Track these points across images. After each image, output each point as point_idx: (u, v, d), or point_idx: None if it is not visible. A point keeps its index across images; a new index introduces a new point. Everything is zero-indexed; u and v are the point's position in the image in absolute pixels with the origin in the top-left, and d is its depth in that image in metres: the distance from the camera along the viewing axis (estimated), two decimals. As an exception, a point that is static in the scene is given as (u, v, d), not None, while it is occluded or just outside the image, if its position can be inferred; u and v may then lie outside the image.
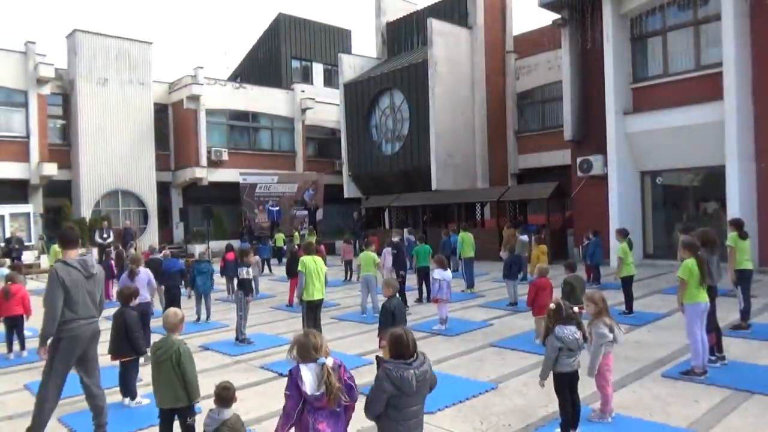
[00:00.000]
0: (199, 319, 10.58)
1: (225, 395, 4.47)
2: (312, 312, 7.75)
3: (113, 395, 6.33)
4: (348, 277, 15.67)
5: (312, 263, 7.81)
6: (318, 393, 3.23)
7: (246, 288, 8.76)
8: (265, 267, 18.02)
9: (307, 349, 3.34)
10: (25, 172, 21.59)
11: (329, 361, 3.32)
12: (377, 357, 3.47)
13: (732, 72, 13.79)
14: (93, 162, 22.83)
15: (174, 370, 4.43)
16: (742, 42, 13.99)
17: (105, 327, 9.89)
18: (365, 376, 6.35)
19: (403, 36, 26.72)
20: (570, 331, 4.60)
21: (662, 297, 11.15)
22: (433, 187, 21.86)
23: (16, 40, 23.10)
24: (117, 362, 6.13)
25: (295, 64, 32.44)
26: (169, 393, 4.46)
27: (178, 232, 25.65)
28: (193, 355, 4.66)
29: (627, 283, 9.72)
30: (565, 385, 4.66)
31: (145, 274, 8.06)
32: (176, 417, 4.56)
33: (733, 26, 13.75)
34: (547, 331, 4.73)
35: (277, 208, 24.98)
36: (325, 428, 3.28)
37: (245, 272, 8.78)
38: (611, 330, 4.90)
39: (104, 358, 7.85)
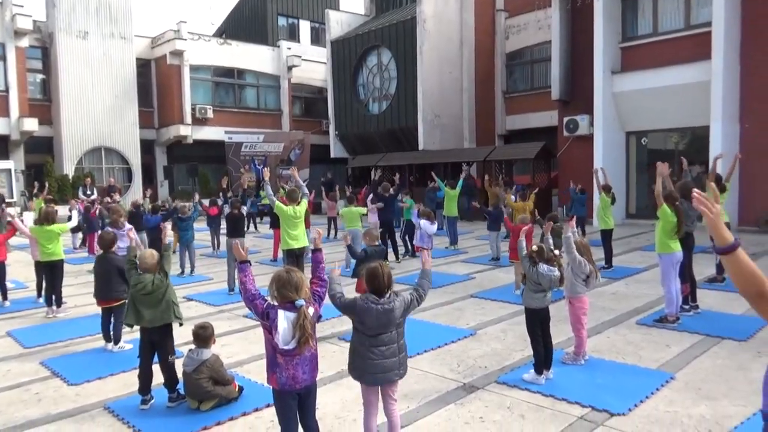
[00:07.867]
0: (183, 272, 10.60)
1: (202, 334, 4.53)
2: (294, 262, 7.76)
3: (97, 341, 6.39)
4: (333, 234, 15.74)
5: (289, 209, 7.86)
6: (290, 346, 3.11)
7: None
8: (251, 224, 18.00)
9: (286, 286, 3.17)
10: (5, 128, 21.14)
11: (310, 310, 3.19)
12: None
13: (721, 32, 13.71)
14: (75, 118, 22.39)
15: (156, 295, 4.55)
16: (732, 2, 13.88)
17: (89, 279, 9.77)
18: (346, 324, 6.44)
19: (392, -8, 26.15)
20: (550, 269, 4.73)
21: (642, 254, 11.33)
22: (420, 146, 21.75)
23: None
24: (100, 310, 6.17)
25: (282, 21, 31.71)
26: (155, 312, 4.53)
27: (163, 191, 25.42)
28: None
29: (607, 238, 9.85)
30: (537, 325, 4.79)
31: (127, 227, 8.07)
32: (157, 356, 4.61)
33: (723, -15, 13.61)
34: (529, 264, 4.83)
35: (262, 165, 24.73)
36: (300, 374, 3.18)
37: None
38: (590, 273, 5.01)
39: (90, 307, 7.96)
